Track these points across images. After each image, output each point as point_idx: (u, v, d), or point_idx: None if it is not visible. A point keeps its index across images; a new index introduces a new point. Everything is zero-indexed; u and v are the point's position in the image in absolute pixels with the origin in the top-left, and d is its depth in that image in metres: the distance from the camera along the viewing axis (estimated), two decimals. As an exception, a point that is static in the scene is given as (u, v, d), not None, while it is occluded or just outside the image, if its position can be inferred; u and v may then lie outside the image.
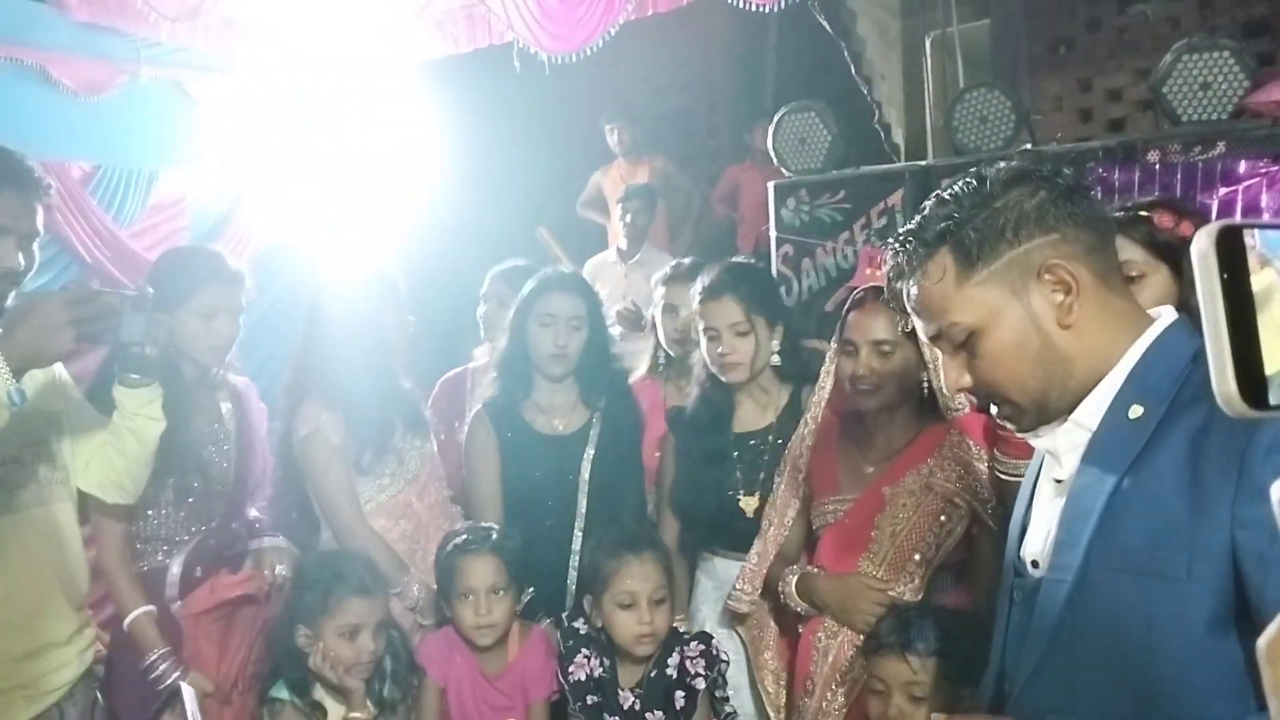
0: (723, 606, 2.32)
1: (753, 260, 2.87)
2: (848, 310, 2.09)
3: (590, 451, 2.50)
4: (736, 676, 2.28)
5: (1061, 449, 1.19)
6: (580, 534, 2.46)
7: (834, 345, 2.13)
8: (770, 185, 3.50)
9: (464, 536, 2.22)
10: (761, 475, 2.34)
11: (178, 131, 4.05)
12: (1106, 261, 1.18)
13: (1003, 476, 1.87)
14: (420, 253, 4.32)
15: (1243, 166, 2.82)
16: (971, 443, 2.00)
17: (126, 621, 2.17)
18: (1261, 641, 0.57)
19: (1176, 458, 1.08)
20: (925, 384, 2.05)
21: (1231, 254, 0.56)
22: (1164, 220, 1.84)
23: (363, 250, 4.04)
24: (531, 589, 2.31)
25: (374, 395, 2.40)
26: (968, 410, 2.02)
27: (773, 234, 3.45)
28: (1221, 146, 2.85)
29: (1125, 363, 1.15)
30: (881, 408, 2.05)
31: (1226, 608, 1.05)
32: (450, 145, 4.49)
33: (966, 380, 1.21)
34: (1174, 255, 1.82)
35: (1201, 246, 0.57)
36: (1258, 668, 0.68)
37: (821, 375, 2.20)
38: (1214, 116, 2.89)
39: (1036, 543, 1.23)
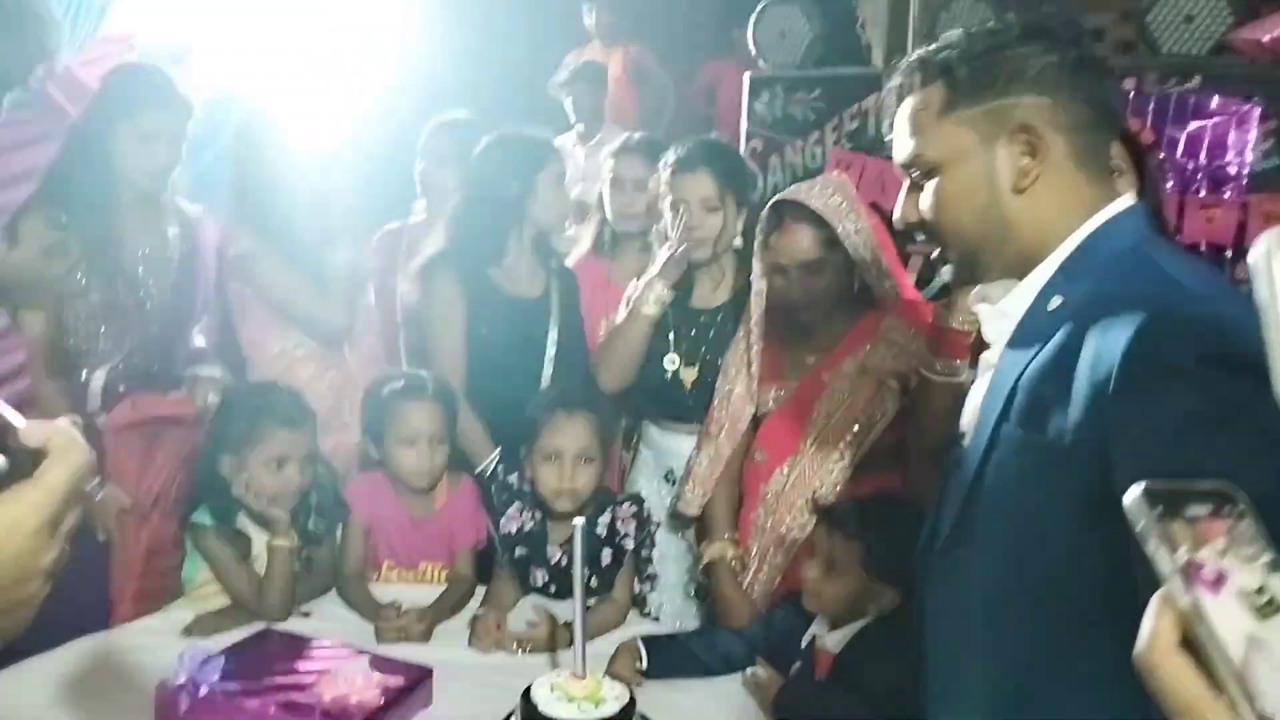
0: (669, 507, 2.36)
1: (726, 140, 2.84)
2: (767, 232, 2.07)
3: (555, 315, 2.49)
4: (671, 575, 2.35)
5: (990, 333, 1.23)
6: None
7: (757, 261, 2.12)
8: (745, 76, 3.44)
9: (401, 381, 2.21)
10: (704, 351, 2.35)
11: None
12: (1091, 145, 1.17)
13: (934, 377, 1.88)
14: (385, 114, 4.20)
15: (1215, 102, 2.82)
16: (906, 326, 2.04)
17: None
18: (1136, 651, 0.58)
19: (1076, 348, 1.08)
20: (856, 280, 2.08)
21: None
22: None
23: (321, 106, 3.92)
24: (500, 448, 2.32)
25: (308, 234, 2.37)
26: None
27: (744, 126, 3.40)
28: (1197, 80, 2.84)
29: (1064, 248, 1.15)
30: (820, 316, 2.08)
31: (1097, 491, 1.02)
32: (424, 5, 4.34)
33: (914, 216, 1.24)
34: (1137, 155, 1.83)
35: (1261, 249, 0.57)
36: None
37: (753, 297, 2.17)
38: (1194, 51, 2.89)
39: (969, 416, 1.26)
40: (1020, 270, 1.19)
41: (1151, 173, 1.91)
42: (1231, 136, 2.80)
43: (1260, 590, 0.55)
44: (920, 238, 1.28)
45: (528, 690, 1.51)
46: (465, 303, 2.44)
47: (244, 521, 2.09)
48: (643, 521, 2.13)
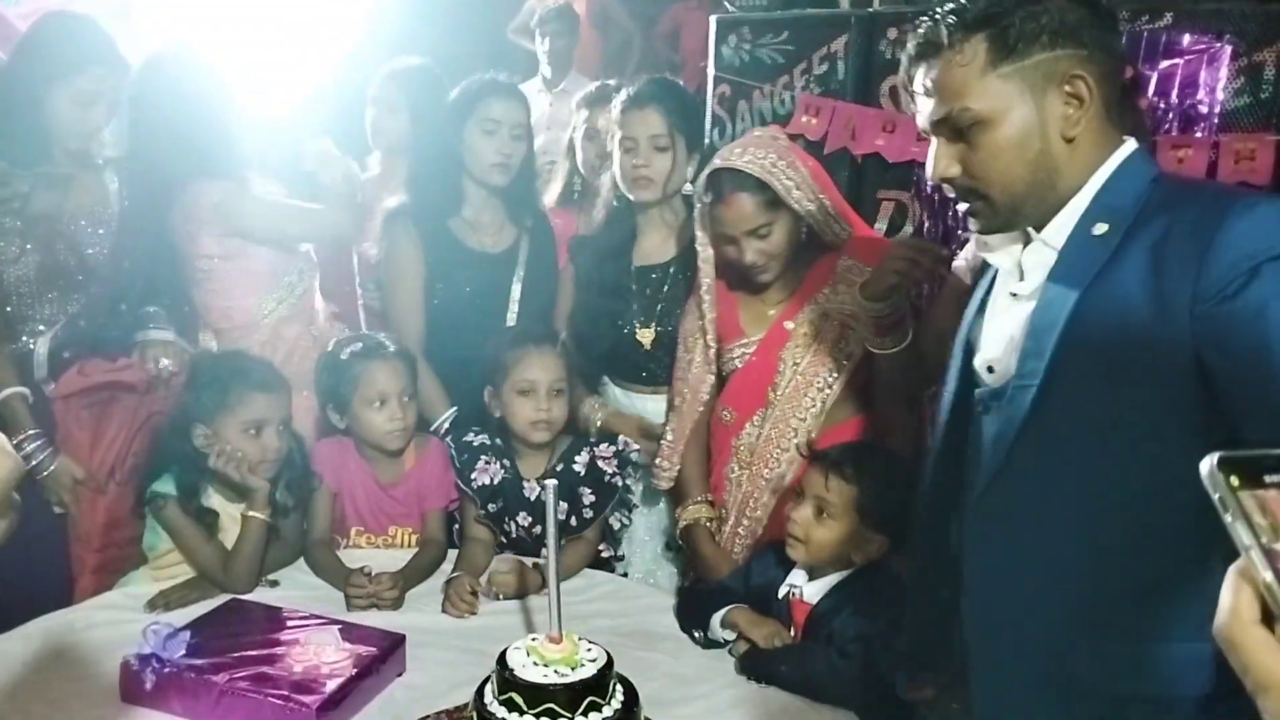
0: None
1: (679, 81, 2.76)
2: (708, 203, 2.03)
3: (520, 271, 2.43)
4: (639, 532, 2.35)
5: (1028, 265, 1.26)
6: (508, 354, 2.41)
7: (701, 230, 2.09)
8: (712, 20, 3.35)
9: (360, 344, 2.17)
10: (660, 308, 2.33)
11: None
12: (1113, 90, 1.24)
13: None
14: (340, 72, 4.07)
15: (1186, 40, 2.78)
16: (862, 264, 2.00)
17: None
18: (1216, 625, 0.57)
19: (1139, 268, 1.15)
20: (804, 229, 2.05)
21: None
22: None
23: (269, 65, 3.80)
24: (454, 408, 2.28)
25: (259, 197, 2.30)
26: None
27: (710, 72, 3.32)
28: (1169, 18, 2.80)
29: (1091, 185, 1.22)
30: (776, 274, 2.07)
31: (1190, 412, 1.13)
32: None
33: (955, 170, 1.26)
34: None
35: None
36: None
37: (700, 265, 2.13)
38: (1166, -13, 2.84)
39: (994, 349, 1.29)
40: (1051, 213, 1.25)
41: (1140, 114, 1.89)
42: (1202, 75, 2.76)
43: None
44: (953, 192, 1.30)
45: (503, 654, 1.48)
46: (423, 256, 2.38)
47: (211, 496, 2.03)
48: (624, 460, 2.15)
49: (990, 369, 1.31)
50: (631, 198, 2.28)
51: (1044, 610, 1.25)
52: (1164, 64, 2.84)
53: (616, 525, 2.20)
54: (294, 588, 1.99)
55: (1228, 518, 0.56)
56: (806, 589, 1.79)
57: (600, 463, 2.13)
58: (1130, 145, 1.25)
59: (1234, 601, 0.56)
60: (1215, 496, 0.57)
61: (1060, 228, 1.23)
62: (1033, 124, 1.21)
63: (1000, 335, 1.29)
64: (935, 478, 1.44)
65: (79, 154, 2.19)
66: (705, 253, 2.11)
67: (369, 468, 2.17)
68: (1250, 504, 0.55)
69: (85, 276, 2.20)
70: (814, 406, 2.04)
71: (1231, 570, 0.57)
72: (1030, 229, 1.28)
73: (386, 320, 2.50)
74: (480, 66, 2.57)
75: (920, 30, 1.27)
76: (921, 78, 1.27)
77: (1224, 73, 2.71)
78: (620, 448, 2.16)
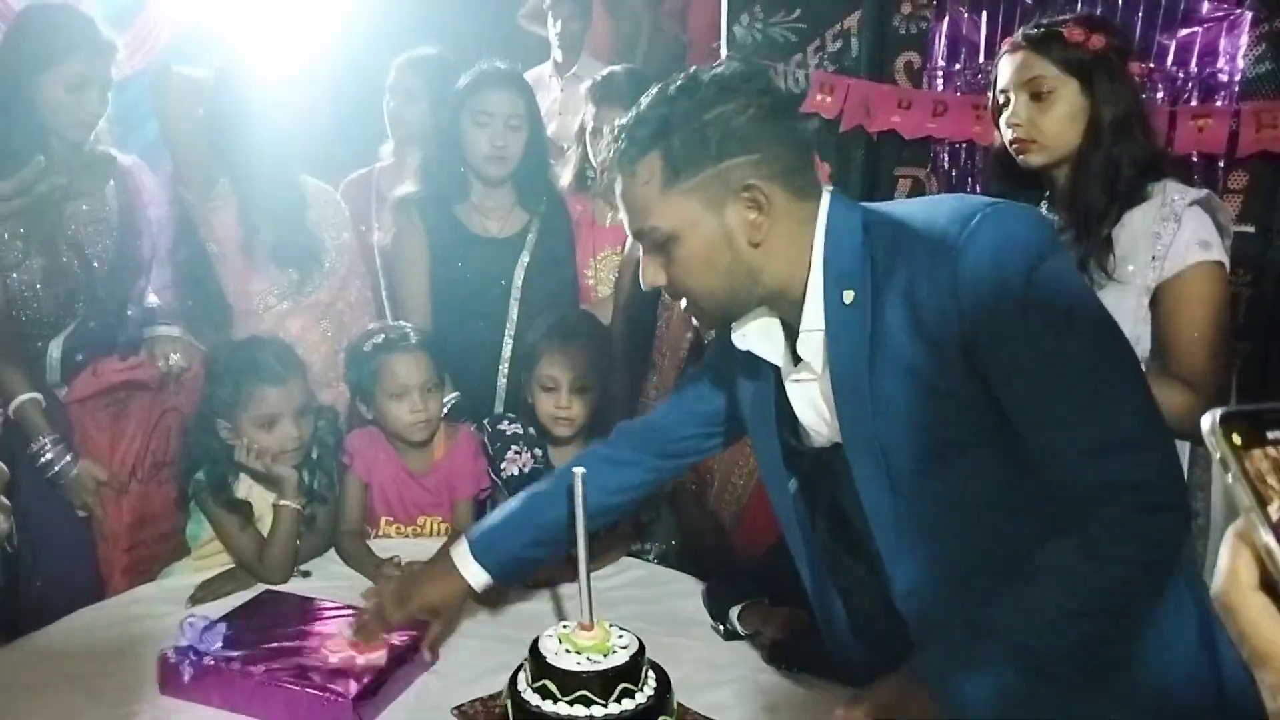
0: None
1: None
2: None
3: (525, 257, 2.44)
4: None
5: (805, 353, 1.29)
6: (511, 341, 2.42)
7: None
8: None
9: (383, 335, 2.17)
10: None
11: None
12: (803, 178, 1.26)
13: None
14: (357, 54, 4.07)
15: (1205, 7, 2.75)
16: None
17: (11, 408, 2.10)
18: (1214, 589, 0.55)
19: (898, 318, 1.19)
20: None
21: None
22: (1073, 34, 1.84)
23: (287, 42, 3.79)
24: (456, 394, 2.28)
25: (272, 183, 2.29)
26: None
27: (724, 52, 3.30)
28: (1188, -15, 2.77)
29: (816, 259, 1.25)
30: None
31: (992, 425, 1.18)
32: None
33: (661, 279, 1.30)
34: (1084, 70, 1.82)
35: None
36: None
37: None
38: (1184, -45, 2.80)
39: (808, 420, 1.35)
40: (775, 300, 1.29)
41: (1131, 84, 1.88)
42: (1222, 42, 2.73)
43: None
44: (673, 296, 1.33)
45: (535, 642, 1.49)
46: (429, 243, 2.39)
47: (244, 487, 2.06)
48: None
49: (812, 433, 1.36)
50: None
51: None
52: (1182, 32, 2.81)
53: (645, 519, 2.20)
54: (325, 578, 2.01)
55: (1228, 478, 0.54)
56: None
57: None
58: (825, 202, 1.26)
59: (1232, 564, 0.53)
60: (1216, 456, 0.55)
61: (814, 309, 1.25)
62: (718, 236, 1.24)
63: (806, 409, 1.34)
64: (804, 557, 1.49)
65: (76, 145, 2.18)
66: None
67: (399, 458, 2.19)
68: (1253, 464, 0.53)
69: (89, 277, 2.21)
70: None
71: (1230, 532, 0.54)
72: (783, 319, 1.33)
73: (392, 307, 2.51)
74: (491, 53, 2.57)
75: (605, 143, 1.30)
76: (616, 192, 1.30)
77: (1244, 40, 2.68)
78: None
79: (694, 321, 2.12)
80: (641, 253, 1.32)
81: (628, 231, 1.32)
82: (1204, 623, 1.26)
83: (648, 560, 2.18)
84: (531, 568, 1.72)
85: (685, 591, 1.93)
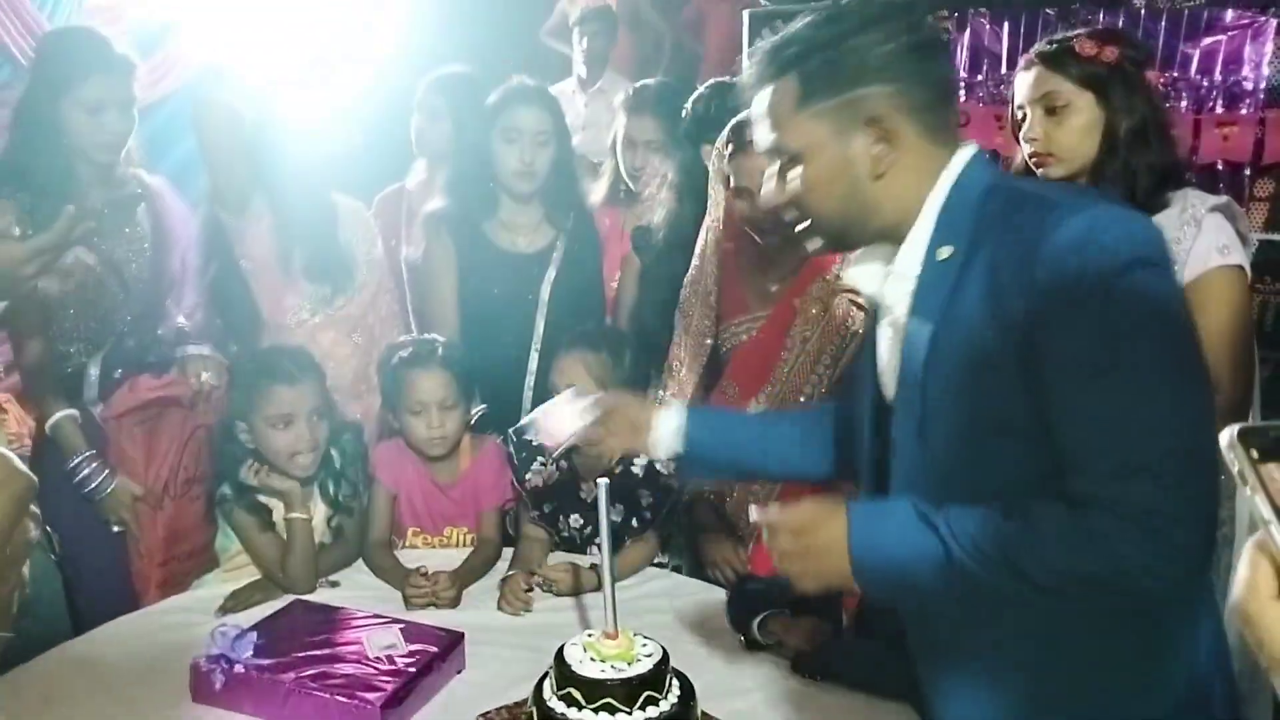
0: None
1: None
2: (727, 156, 2.06)
3: (551, 272, 2.46)
4: None
5: (891, 297, 1.28)
6: (537, 354, 2.44)
7: (716, 183, 2.13)
8: (745, 13, 3.36)
9: (409, 349, 2.20)
10: None
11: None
12: (938, 118, 1.25)
13: None
14: (382, 80, 4.13)
15: (1229, 16, 2.75)
16: None
17: (48, 425, 2.14)
18: (1232, 600, 0.55)
19: (980, 288, 1.17)
20: None
21: None
22: (1085, 48, 1.86)
23: (313, 75, 3.85)
24: (484, 405, 2.30)
25: (306, 201, 2.34)
26: None
27: (745, 65, 3.32)
28: (1211, -6, 2.77)
29: (930, 207, 1.24)
30: (786, 237, 2.06)
31: (1033, 419, 1.15)
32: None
33: (782, 198, 1.31)
34: (1099, 83, 1.84)
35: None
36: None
37: (710, 214, 2.16)
38: (1206, -37, 2.80)
39: (889, 382, 1.33)
40: (889, 238, 1.28)
41: (1148, 93, 1.88)
42: (1247, 50, 2.73)
43: None
44: (790, 216, 1.33)
45: (560, 651, 1.50)
46: (457, 258, 2.42)
47: (264, 497, 2.09)
48: None
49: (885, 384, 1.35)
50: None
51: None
52: (1206, 40, 2.81)
53: (666, 534, 2.20)
54: (353, 588, 2.04)
55: (1247, 490, 0.54)
56: None
57: (659, 464, 2.12)
58: (964, 156, 1.25)
59: (1251, 575, 0.54)
60: (1235, 469, 0.55)
61: (912, 255, 1.25)
62: (840, 163, 1.24)
63: (883, 357, 1.34)
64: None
65: (106, 167, 2.22)
66: (718, 211, 2.14)
67: (426, 468, 2.21)
68: (1271, 477, 0.54)
69: (127, 296, 2.25)
70: (820, 385, 2.07)
71: (1249, 544, 0.55)
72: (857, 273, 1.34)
73: (419, 321, 2.54)
74: (516, 70, 2.61)
75: (753, 61, 1.31)
76: (755, 107, 1.31)
77: (1269, 47, 2.68)
78: None
79: (709, 323, 2.18)
80: (768, 171, 1.33)
81: (758, 149, 1.34)
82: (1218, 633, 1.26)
83: (671, 571, 2.19)
84: (711, 468, 1.66)
85: (709, 601, 1.94)
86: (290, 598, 1.94)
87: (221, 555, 2.11)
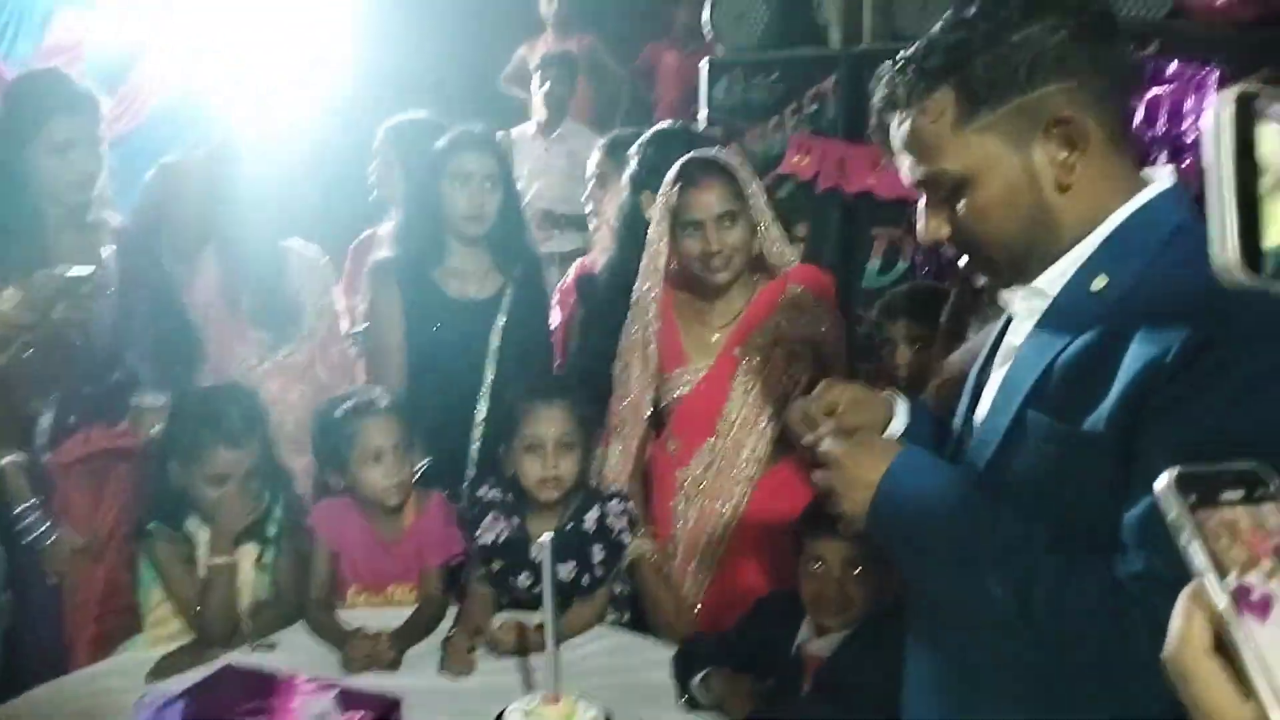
0: None
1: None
2: (679, 189, 2.05)
3: (501, 320, 2.43)
4: None
5: (1020, 313, 1.13)
6: (485, 403, 2.40)
7: (659, 224, 2.11)
8: (704, 62, 3.38)
9: (354, 400, 2.16)
10: None
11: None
12: (1118, 112, 1.09)
13: None
14: (340, 109, 4.13)
15: (1172, 67, 2.79)
16: (808, 292, 2.10)
17: None
18: (1166, 653, 0.53)
19: (1120, 341, 1.00)
20: (758, 244, 2.12)
21: (1245, 121, 0.52)
22: None
23: (276, 104, 3.84)
24: (429, 458, 2.26)
25: (253, 247, 2.33)
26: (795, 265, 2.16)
27: (703, 114, 3.34)
28: (1156, 45, 2.81)
29: (1102, 229, 1.07)
30: (731, 280, 2.08)
31: (1099, 522, 1.01)
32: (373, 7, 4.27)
33: (945, 232, 1.13)
34: None
35: (1219, 112, 0.53)
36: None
37: (645, 265, 2.15)
38: (1151, 15, 2.86)
39: (984, 407, 1.17)
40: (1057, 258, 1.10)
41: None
42: (1189, 103, 2.77)
43: None
44: (950, 251, 1.18)
45: (500, 717, 1.46)
46: (405, 306, 2.40)
47: (192, 526, 2.04)
48: (634, 519, 2.12)
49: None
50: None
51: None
52: (1151, 91, 2.85)
53: (617, 589, 2.15)
54: (293, 650, 1.96)
55: (1182, 540, 0.52)
56: (815, 644, 1.73)
57: (611, 519, 2.09)
58: (1158, 186, 1.07)
59: (1186, 629, 0.52)
60: (1169, 516, 0.53)
61: (1060, 273, 1.08)
62: (1020, 178, 1.07)
63: (990, 390, 1.18)
64: None
65: (73, 209, 2.18)
66: (658, 255, 2.12)
67: (370, 525, 2.16)
68: (1209, 525, 0.52)
69: (86, 342, 2.21)
70: (765, 436, 2.06)
71: (1184, 595, 0.52)
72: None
73: (368, 372, 2.51)
74: (478, 114, 2.61)
75: (883, 79, 1.13)
76: (894, 133, 1.13)
77: (1211, 100, 2.72)
78: (627, 504, 2.12)
79: (650, 374, 2.12)
80: (921, 203, 1.15)
81: (908, 182, 1.14)
82: None
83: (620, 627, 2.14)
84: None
85: (657, 660, 1.89)
86: (221, 662, 1.87)
87: (143, 609, 2.04)
